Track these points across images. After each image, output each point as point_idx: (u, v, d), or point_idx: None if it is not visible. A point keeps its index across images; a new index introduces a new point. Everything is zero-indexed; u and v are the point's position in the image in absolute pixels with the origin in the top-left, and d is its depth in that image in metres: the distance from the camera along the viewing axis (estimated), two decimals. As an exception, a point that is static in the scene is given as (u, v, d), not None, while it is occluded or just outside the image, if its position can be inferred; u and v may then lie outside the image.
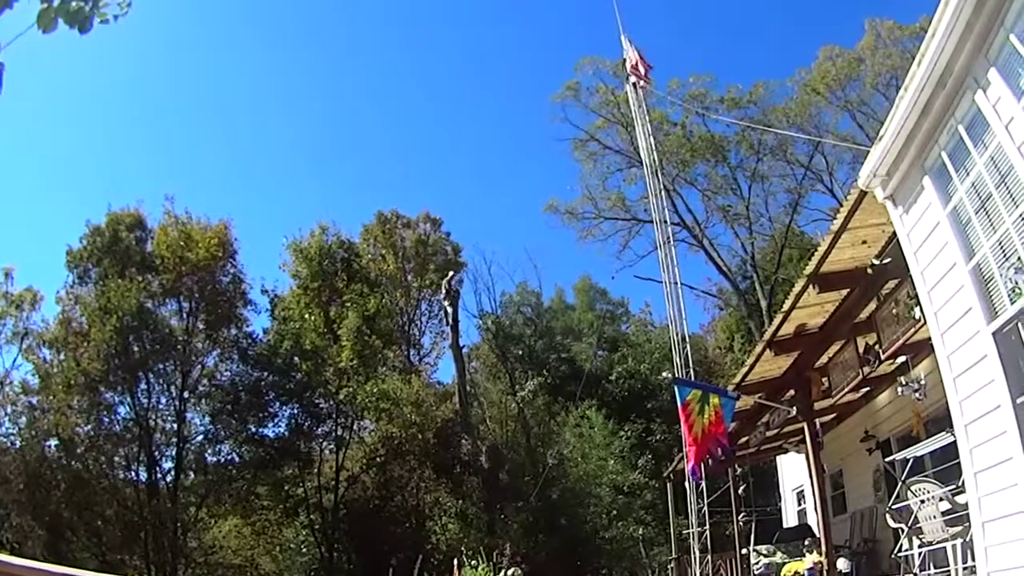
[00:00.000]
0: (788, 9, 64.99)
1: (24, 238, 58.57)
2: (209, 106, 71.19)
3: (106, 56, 59.64)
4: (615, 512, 35.07)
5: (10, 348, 33.93)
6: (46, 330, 33.61)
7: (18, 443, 31.67)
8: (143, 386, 33.07)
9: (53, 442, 31.78)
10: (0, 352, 33.79)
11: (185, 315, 35.05)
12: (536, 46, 76.58)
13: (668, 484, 25.18)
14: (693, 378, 20.57)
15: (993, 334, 6.71)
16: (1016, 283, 6.30)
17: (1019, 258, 6.19)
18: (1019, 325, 6.34)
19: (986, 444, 6.93)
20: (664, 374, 27.19)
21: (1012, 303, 6.38)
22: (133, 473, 33.43)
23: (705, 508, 19.58)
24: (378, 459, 34.83)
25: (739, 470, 20.91)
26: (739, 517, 19.52)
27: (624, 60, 24.90)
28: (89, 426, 32.22)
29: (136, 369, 32.60)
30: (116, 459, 32.89)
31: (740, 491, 20.08)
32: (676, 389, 14.31)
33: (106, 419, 32.74)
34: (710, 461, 14.24)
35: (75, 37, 4.03)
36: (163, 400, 33.98)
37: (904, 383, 11.99)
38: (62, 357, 32.53)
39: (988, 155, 6.57)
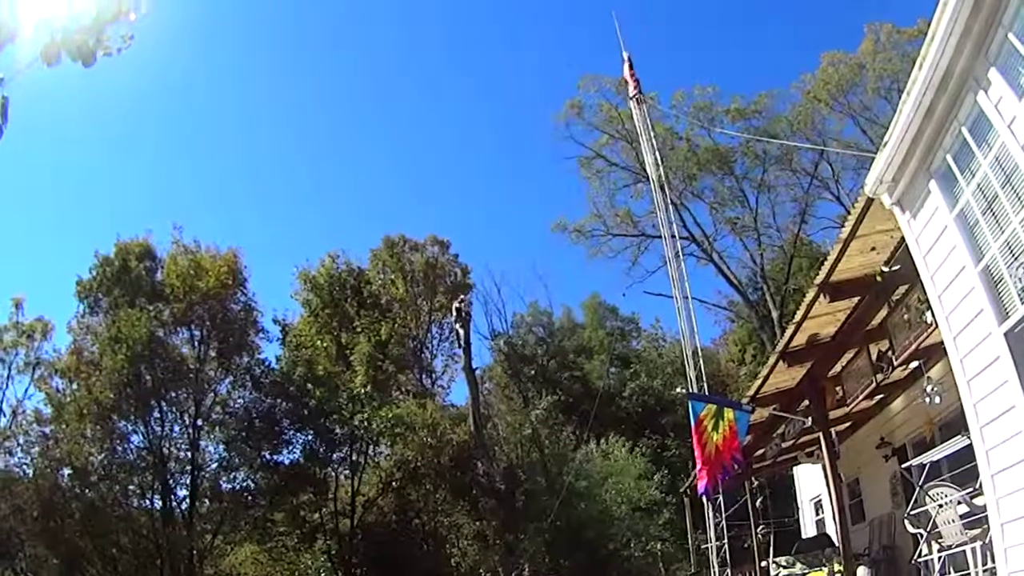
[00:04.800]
0: (790, 15, 65.58)
1: (33, 268, 58.91)
2: (215, 136, 71.61)
3: (111, 86, 59.92)
4: (634, 530, 34.91)
5: (22, 378, 34.11)
6: (58, 359, 33.69)
7: (31, 472, 31.65)
8: (156, 415, 33.08)
9: (67, 471, 31.74)
10: (12, 381, 33.99)
11: (197, 343, 35.08)
12: (540, 65, 76.98)
13: (685, 499, 25.11)
14: (707, 392, 20.51)
15: (1005, 335, 6.71)
16: (1026, 282, 6.30)
17: (1029, 257, 6.19)
18: (1031, 325, 6.34)
19: (1002, 445, 6.92)
20: (678, 389, 27.12)
21: (1023, 303, 6.38)
22: (148, 501, 33.40)
23: (723, 522, 19.51)
24: (394, 483, 34.81)
25: (756, 482, 20.86)
26: (757, 529, 19.45)
27: (624, 76, 25.01)
28: (103, 455, 32.17)
29: (149, 398, 32.61)
30: (130, 488, 32.86)
31: (758, 503, 20.03)
32: (690, 404, 14.28)
33: (120, 448, 32.76)
34: (725, 477, 14.19)
35: (79, 68, 4.08)
36: (176, 428, 33.98)
37: (927, 390, 11.90)
38: (74, 386, 32.52)
39: (992, 155, 6.59)
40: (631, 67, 24.40)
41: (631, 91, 24.44)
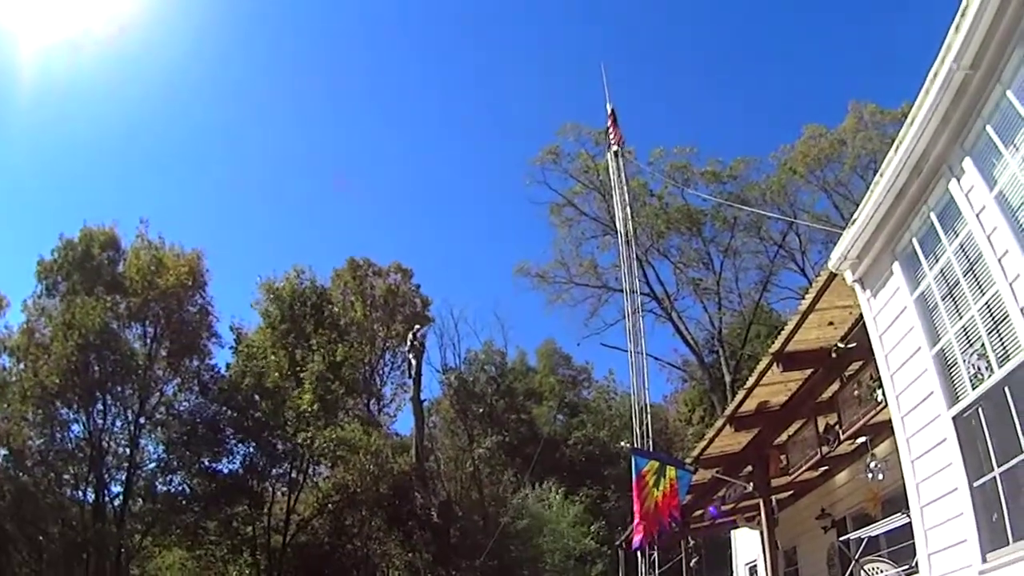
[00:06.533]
0: (778, 83, 66.88)
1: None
2: (191, 138, 71.46)
3: (99, 73, 59.95)
4: (566, 578, 34.83)
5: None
6: (8, 336, 33.11)
7: (-33, 448, 31.05)
8: (99, 407, 32.49)
9: (3, 451, 31.16)
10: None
11: (148, 340, 34.64)
12: (519, 108, 77.67)
13: (620, 551, 25.09)
14: (652, 448, 20.64)
15: (953, 419, 6.87)
16: (979, 369, 6.46)
17: (983, 344, 6.35)
18: (979, 410, 6.49)
19: (942, 526, 7.06)
20: (623, 443, 27.16)
21: (974, 388, 6.54)
22: (81, 493, 32.71)
23: (656, 578, 19.54)
24: (331, 506, 34.43)
25: (692, 542, 20.89)
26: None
27: (608, 128, 25.26)
28: (41, 440, 31.73)
29: (94, 388, 32.10)
30: (65, 477, 32.26)
31: (692, 563, 20.06)
32: (633, 459, 14.38)
33: (59, 435, 32.24)
34: (659, 536, 14.30)
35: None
36: (118, 423, 33.43)
37: (871, 466, 12.06)
38: (22, 366, 31.94)
39: (958, 243, 6.78)
40: (614, 120, 24.71)
41: (611, 143, 24.75)
